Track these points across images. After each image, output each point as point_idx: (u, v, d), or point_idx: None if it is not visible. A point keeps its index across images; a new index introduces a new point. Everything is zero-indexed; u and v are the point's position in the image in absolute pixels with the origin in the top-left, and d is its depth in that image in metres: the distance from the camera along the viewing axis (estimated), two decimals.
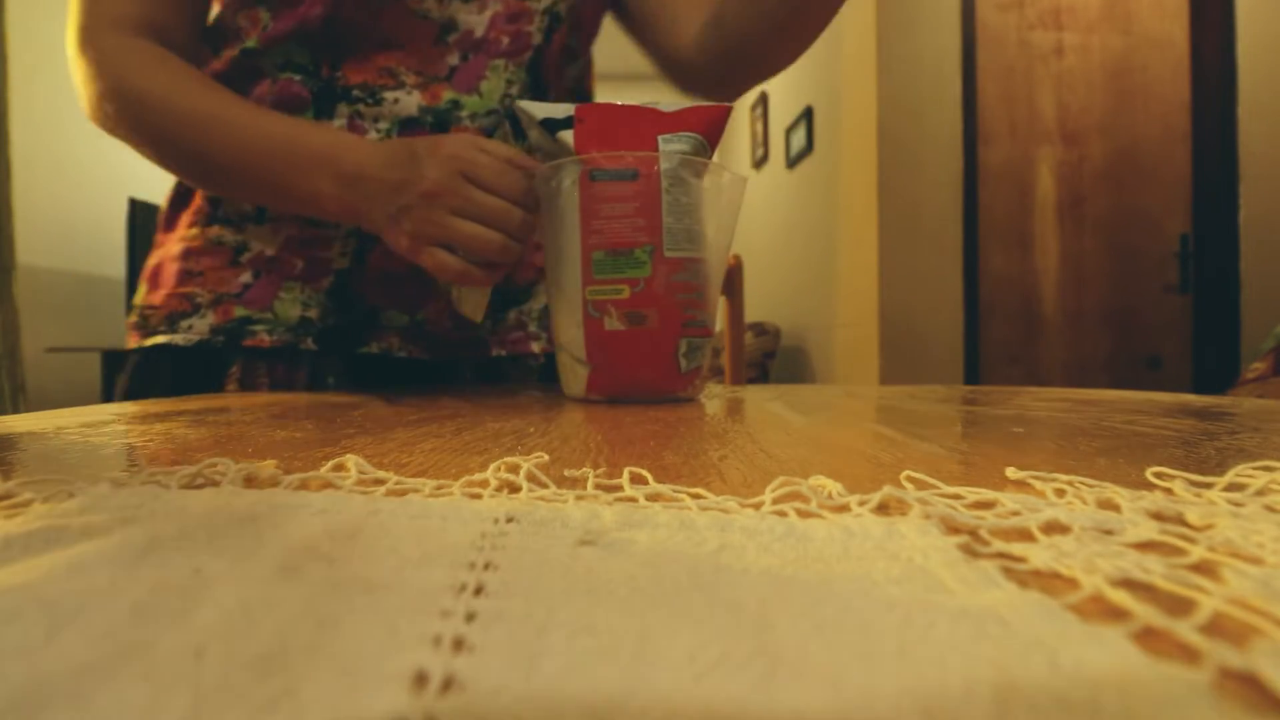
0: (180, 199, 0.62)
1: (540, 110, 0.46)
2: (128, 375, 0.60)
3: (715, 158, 0.48)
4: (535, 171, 0.46)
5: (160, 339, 0.58)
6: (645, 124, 0.45)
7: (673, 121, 0.45)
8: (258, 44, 0.56)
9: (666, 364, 0.44)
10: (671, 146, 0.44)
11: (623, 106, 0.46)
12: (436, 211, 0.45)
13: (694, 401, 0.45)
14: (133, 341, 0.61)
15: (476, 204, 0.45)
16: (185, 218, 0.61)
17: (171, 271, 0.59)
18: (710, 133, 0.46)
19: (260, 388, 0.58)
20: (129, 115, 0.52)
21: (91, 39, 0.52)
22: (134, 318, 0.61)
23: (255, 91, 0.57)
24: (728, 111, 0.47)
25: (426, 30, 0.56)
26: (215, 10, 0.60)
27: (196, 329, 0.57)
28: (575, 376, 0.46)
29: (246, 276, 0.58)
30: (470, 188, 0.45)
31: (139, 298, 0.61)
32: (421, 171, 0.45)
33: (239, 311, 0.57)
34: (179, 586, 0.11)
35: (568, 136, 0.45)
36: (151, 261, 0.62)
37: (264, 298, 0.57)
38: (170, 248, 0.60)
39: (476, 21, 0.58)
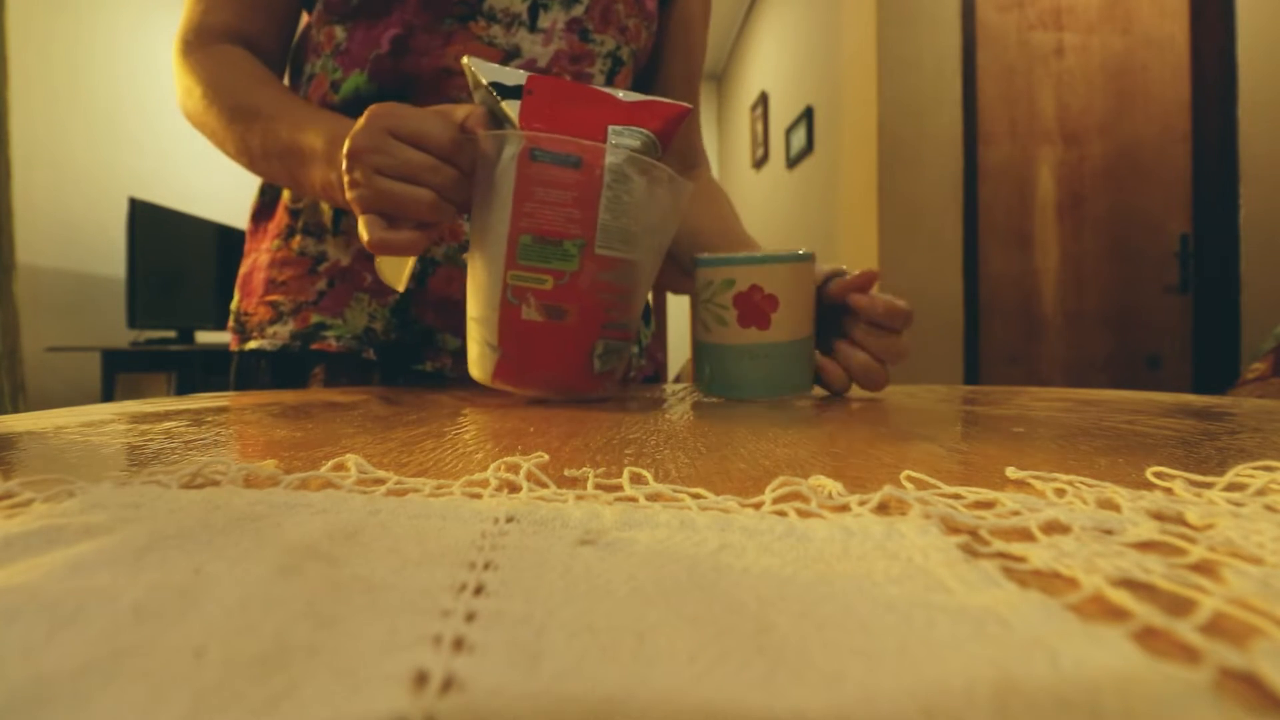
0: (263, 211, 0.66)
1: (490, 72, 0.43)
2: (232, 377, 0.66)
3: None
4: (475, 134, 0.42)
5: (253, 344, 0.62)
6: (598, 110, 0.43)
7: (627, 113, 0.43)
8: (326, 70, 0.60)
9: (580, 363, 0.42)
10: (622, 140, 0.42)
11: (578, 86, 0.44)
12: (360, 171, 0.42)
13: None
14: (233, 345, 0.66)
15: (400, 160, 0.42)
16: (270, 229, 0.65)
17: (259, 280, 0.63)
18: (664, 132, 0.44)
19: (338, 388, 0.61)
20: (198, 110, 0.58)
21: (188, 47, 0.59)
22: (231, 322, 0.66)
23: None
24: (685, 113, 0.45)
25: (490, 57, 0.58)
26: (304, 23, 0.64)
27: (280, 335, 0.61)
28: (484, 360, 0.43)
29: (322, 284, 0.61)
30: (394, 143, 0.42)
31: (234, 304, 0.66)
32: (352, 133, 0.43)
33: (315, 318, 0.60)
34: (179, 586, 0.11)
35: (514, 107, 0.42)
36: (242, 270, 0.67)
37: (337, 305, 0.60)
38: (258, 257, 0.65)
39: (541, 53, 0.59)
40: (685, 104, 0.45)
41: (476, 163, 0.43)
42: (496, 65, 0.44)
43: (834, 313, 0.49)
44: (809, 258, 0.45)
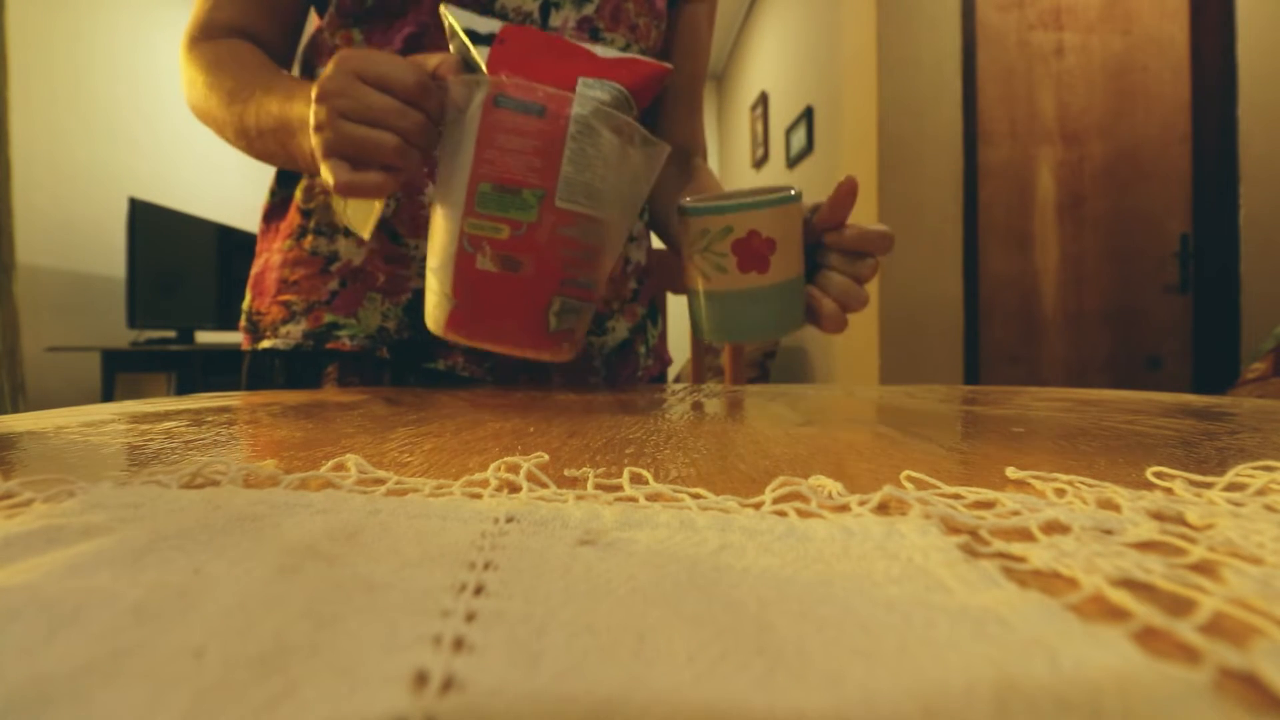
0: (274, 211, 0.66)
1: (465, 19, 0.42)
2: (244, 377, 0.66)
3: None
4: (447, 81, 0.42)
5: (266, 344, 0.62)
6: (571, 62, 0.42)
7: (600, 67, 0.42)
8: None
9: (534, 319, 0.41)
10: (591, 92, 0.41)
11: (554, 38, 0.43)
12: (325, 113, 0.42)
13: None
14: (245, 344, 0.66)
15: (365, 104, 0.41)
16: (282, 228, 0.65)
17: (272, 280, 0.64)
18: (639, 90, 0.42)
19: (351, 387, 0.61)
20: (200, 99, 0.58)
21: (193, 42, 0.60)
22: (243, 321, 0.66)
23: None
24: (665, 72, 0.44)
25: None
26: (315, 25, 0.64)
27: (293, 335, 0.61)
28: (439, 310, 0.42)
29: (335, 284, 0.61)
30: (360, 86, 0.41)
31: (245, 303, 0.66)
32: (320, 78, 0.42)
33: (328, 317, 0.61)
34: (179, 586, 0.11)
35: (485, 54, 0.41)
36: (254, 270, 0.67)
37: (350, 304, 0.61)
38: (270, 257, 0.65)
39: None
40: (666, 64, 0.44)
41: (446, 110, 0.41)
42: (473, 14, 0.43)
43: (812, 246, 0.49)
44: (799, 197, 0.45)
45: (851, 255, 0.47)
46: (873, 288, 2.21)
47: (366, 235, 0.48)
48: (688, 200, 0.45)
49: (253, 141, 0.56)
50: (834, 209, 0.46)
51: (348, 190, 0.41)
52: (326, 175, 0.42)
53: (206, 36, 0.60)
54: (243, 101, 0.55)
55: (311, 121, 0.42)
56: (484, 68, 0.41)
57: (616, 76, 0.42)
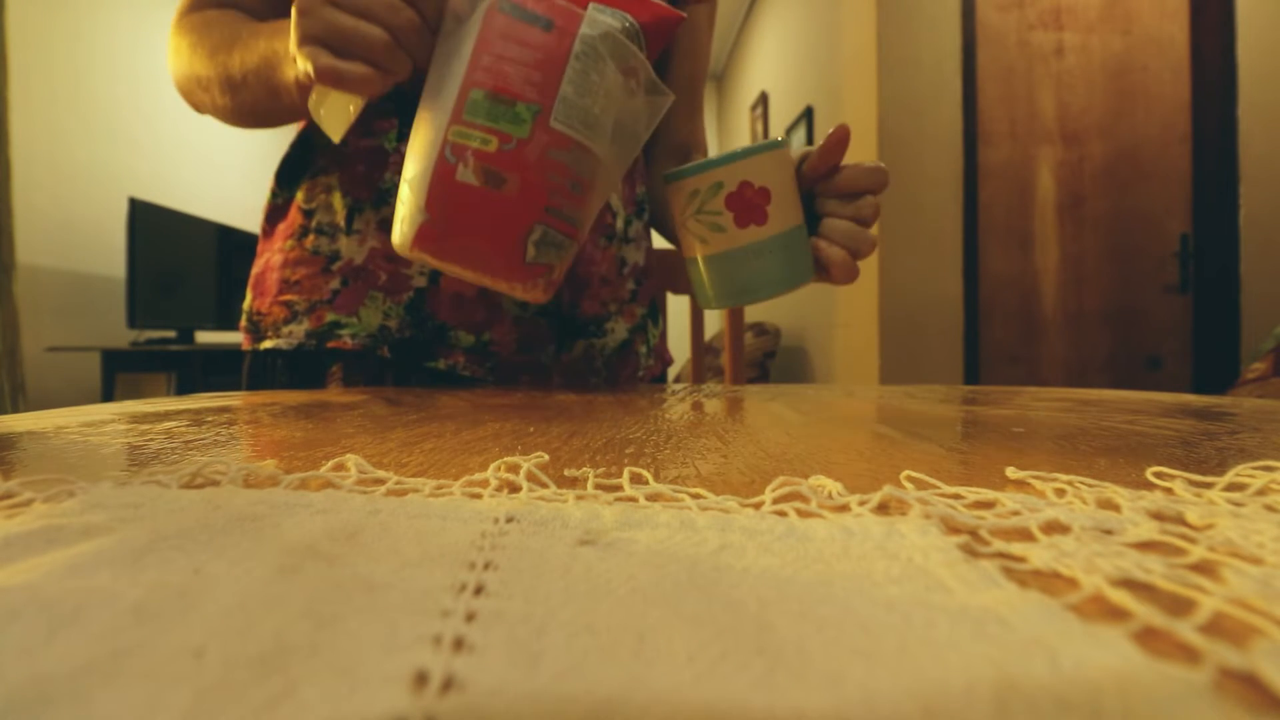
0: (276, 212, 0.66)
1: None
2: (244, 377, 0.66)
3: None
4: None
5: (268, 344, 0.62)
6: None
7: (614, 1, 0.40)
8: None
9: (511, 244, 0.38)
10: (603, 16, 0.38)
11: None
12: (313, 2, 0.39)
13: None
14: (245, 344, 0.65)
15: None
16: (283, 229, 0.65)
17: (273, 280, 0.63)
18: (652, 27, 0.41)
19: (355, 386, 0.61)
20: (185, 63, 0.58)
21: (182, 16, 0.60)
22: (243, 321, 0.66)
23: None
24: (679, 19, 0.42)
25: None
26: None
27: (295, 334, 0.61)
28: (408, 225, 0.39)
29: (336, 283, 0.61)
30: None
31: (246, 303, 0.66)
32: None
33: (330, 316, 0.61)
34: (179, 586, 0.11)
35: None
36: (255, 269, 0.67)
37: (352, 303, 0.61)
38: (271, 257, 0.65)
39: None
40: (680, 13, 0.43)
41: (444, 20, 0.39)
42: None
43: (809, 197, 0.48)
44: (786, 144, 0.44)
45: (849, 198, 0.46)
46: (872, 287, 2.21)
47: (337, 138, 0.45)
48: (676, 168, 0.44)
49: (238, 90, 0.54)
50: (824, 155, 0.45)
51: (330, 76, 0.38)
52: (304, 62, 0.39)
53: (195, 9, 0.60)
54: (227, 51, 0.54)
55: (294, 11, 0.39)
56: None
57: (630, 8, 0.40)
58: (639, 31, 0.40)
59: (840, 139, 0.44)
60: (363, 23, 0.38)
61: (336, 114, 0.43)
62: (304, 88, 0.47)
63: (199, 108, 0.61)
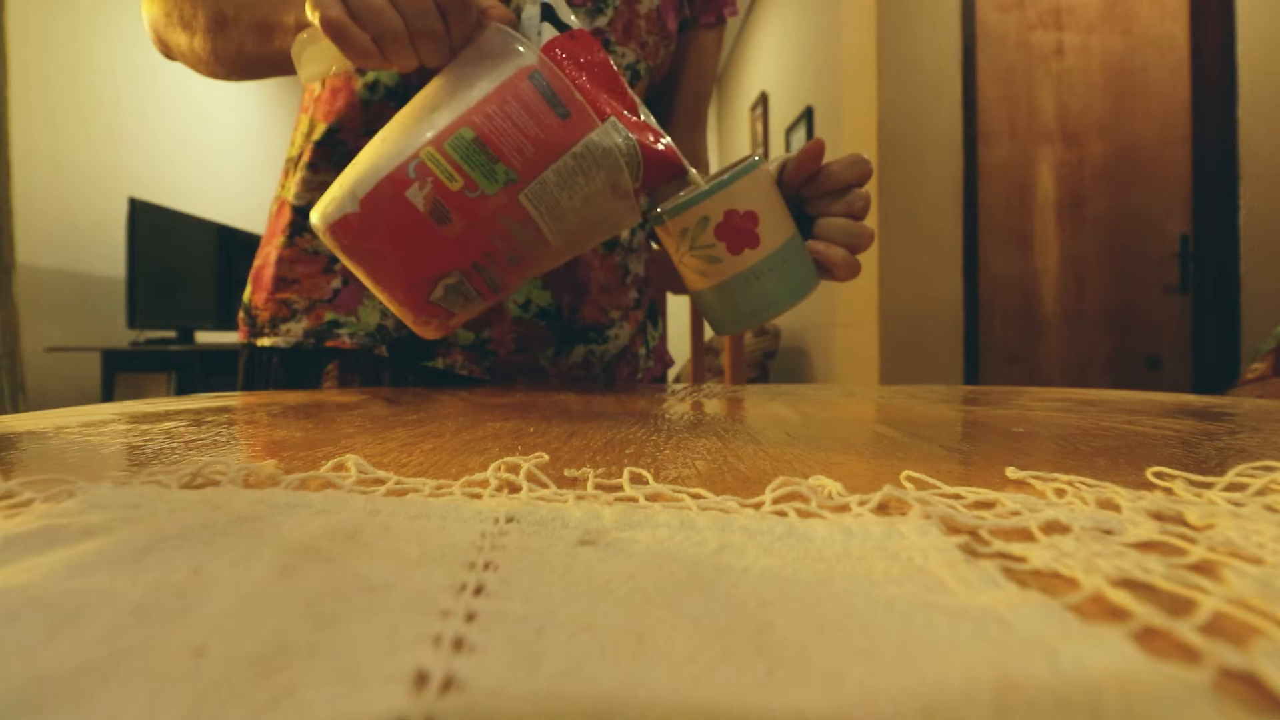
0: (277, 208, 0.66)
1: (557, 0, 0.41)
2: (241, 371, 0.66)
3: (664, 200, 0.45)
4: (489, 20, 0.39)
5: (265, 341, 0.62)
6: (615, 100, 0.40)
7: (635, 126, 0.41)
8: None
9: (422, 277, 0.39)
10: (615, 134, 0.39)
11: (616, 73, 0.42)
12: None
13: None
14: (241, 336, 0.66)
15: None
16: (279, 226, 0.65)
17: (269, 276, 0.63)
18: (655, 166, 0.42)
19: (351, 385, 0.61)
20: (165, 10, 0.55)
21: None
22: (241, 314, 0.66)
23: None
24: (680, 173, 0.43)
25: None
26: None
27: (294, 333, 0.61)
28: (334, 206, 0.39)
29: (337, 283, 0.61)
30: None
31: (246, 295, 0.66)
32: None
33: (329, 315, 0.61)
34: (179, 586, 0.11)
35: (548, 32, 0.40)
36: (256, 263, 0.67)
37: (351, 303, 0.61)
38: (270, 253, 0.65)
39: None
40: (688, 169, 0.44)
41: (470, 47, 0.40)
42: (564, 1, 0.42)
43: (797, 201, 0.48)
44: (762, 160, 0.44)
45: (836, 195, 0.46)
46: (872, 287, 2.21)
47: (306, 83, 0.44)
48: (655, 211, 0.44)
49: (225, 25, 0.52)
50: (802, 162, 0.45)
51: (335, 29, 0.37)
52: (316, 5, 0.38)
53: None
54: None
55: None
56: (538, 42, 0.39)
57: (644, 139, 0.41)
58: (640, 162, 0.41)
59: (816, 150, 0.45)
60: (389, 7, 0.38)
61: (316, 62, 0.42)
62: (300, 30, 0.45)
63: (171, 49, 0.58)
